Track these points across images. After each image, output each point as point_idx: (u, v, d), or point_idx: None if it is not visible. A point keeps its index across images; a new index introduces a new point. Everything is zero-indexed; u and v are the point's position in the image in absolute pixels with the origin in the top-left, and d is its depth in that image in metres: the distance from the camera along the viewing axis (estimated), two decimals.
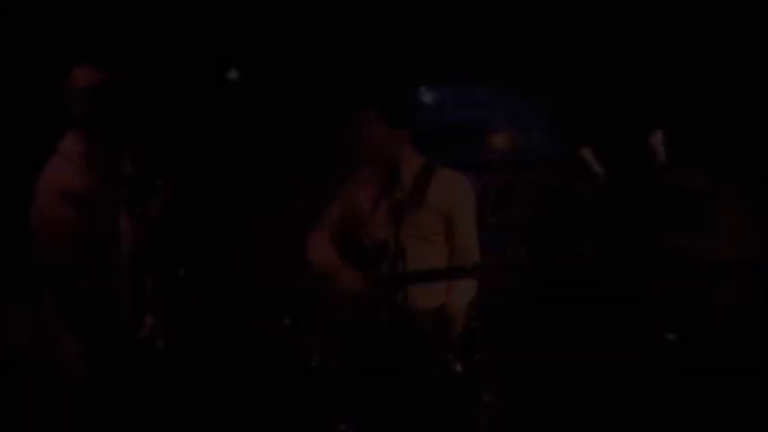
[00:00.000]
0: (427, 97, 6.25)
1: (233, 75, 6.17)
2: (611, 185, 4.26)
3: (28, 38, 5.05)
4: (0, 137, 5.08)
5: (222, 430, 5.22)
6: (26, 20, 5.01)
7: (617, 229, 3.63)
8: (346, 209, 3.91)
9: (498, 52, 6.05)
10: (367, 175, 3.88)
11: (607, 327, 4.48)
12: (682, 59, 5.61)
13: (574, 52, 5.81)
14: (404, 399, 3.54)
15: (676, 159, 4.36)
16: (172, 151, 3.71)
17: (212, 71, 6.11)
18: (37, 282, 3.32)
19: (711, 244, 4.18)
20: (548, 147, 6.18)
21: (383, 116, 3.68)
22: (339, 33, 5.75)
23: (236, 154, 6.13)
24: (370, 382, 3.71)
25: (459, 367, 4.44)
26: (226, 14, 5.53)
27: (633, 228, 4.31)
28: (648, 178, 4.42)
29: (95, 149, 3.31)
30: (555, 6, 5.44)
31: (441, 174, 3.77)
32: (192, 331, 4.59)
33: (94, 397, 3.29)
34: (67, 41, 5.20)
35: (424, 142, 3.98)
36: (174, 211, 3.63)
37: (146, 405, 3.50)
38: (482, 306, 4.76)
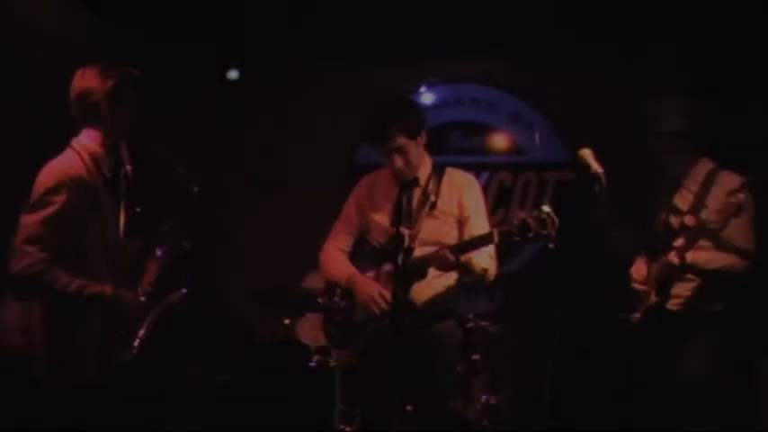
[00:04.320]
0: (427, 97, 6.25)
1: (233, 75, 6.18)
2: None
3: (31, 36, 5.06)
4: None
5: (223, 428, 5.22)
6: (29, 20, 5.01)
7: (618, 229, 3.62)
8: (359, 218, 3.89)
9: (499, 52, 6.06)
10: (378, 182, 3.86)
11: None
12: (681, 59, 5.62)
13: (575, 52, 5.81)
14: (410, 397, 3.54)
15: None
16: (170, 151, 3.70)
17: (212, 71, 6.12)
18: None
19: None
20: (548, 147, 6.18)
21: (409, 136, 3.67)
22: (339, 33, 5.75)
23: (235, 154, 6.13)
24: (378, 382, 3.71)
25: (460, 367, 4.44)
26: (226, 14, 5.53)
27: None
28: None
29: (103, 149, 3.33)
30: (555, 7, 5.43)
31: (450, 176, 3.79)
32: (192, 331, 4.59)
33: (93, 398, 3.29)
34: (70, 41, 5.20)
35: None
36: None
37: (146, 405, 3.51)
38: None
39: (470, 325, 4.81)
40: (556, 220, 3.32)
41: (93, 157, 3.31)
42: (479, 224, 3.72)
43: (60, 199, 3.18)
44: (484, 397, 4.99)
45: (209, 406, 5.22)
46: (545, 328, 5.22)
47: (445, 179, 3.76)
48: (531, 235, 3.34)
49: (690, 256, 3.95)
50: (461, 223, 3.74)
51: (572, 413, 4.86)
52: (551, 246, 3.38)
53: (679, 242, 3.96)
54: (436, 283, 3.70)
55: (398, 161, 3.66)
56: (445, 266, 3.57)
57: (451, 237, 3.70)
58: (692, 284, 4.08)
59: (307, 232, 4.07)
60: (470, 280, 3.76)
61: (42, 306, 3.29)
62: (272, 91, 6.18)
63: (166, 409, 3.67)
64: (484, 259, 3.68)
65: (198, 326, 5.08)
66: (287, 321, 5.14)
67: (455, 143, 6.18)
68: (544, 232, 3.32)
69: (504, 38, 5.74)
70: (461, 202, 3.73)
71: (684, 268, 3.97)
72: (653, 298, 4.10)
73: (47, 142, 4.62)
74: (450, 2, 5.51)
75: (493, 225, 3.78)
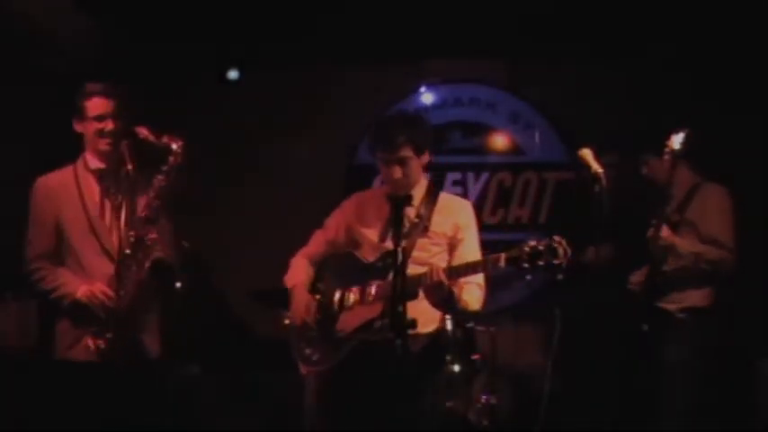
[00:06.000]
0: (427, 97, 6.26)
1: (233, 75, 6.18)
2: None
3: (31, 36, 5.06)
4: None
5: (224, 428, 5.23)
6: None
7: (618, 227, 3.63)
8: (337, 234, 3.84)
9: (499, 52, 6.06)
10: (369, 200, 3.81)
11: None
12: (681, 59, 5.63)
13: (575, 52, 5.81)
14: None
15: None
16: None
17: (212, 71, 6.12)
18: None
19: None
20: (548, 147, 6.18)
21: (415, 150, 3.60)
22: (339, 33, 5.75)
23: (235, 154, 6.13)
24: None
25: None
26: (225, 14, 5.53)
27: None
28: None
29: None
30: (555, 7, 5.43)
31: (444, 200, 3.73)
32: (191, 332, 4.59)
33: (101, 393, 3.41)
34: (70, 41, 5.20)
35: None
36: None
37: (146, 406, 3.52)
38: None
39: (470, 325, 4.81)
40: (569, 250, 3.19)
41: (84, 162, 3.64)
42: (472, 249, 3.63)
43: (36, 203, 3.61)
44: (484, 397, 4.99)
45: (210, 406, 5.23)
46: (546, 327, 5.26)
47: (439, 203, 3.69)
48: (541, 263, 3.20)
49: (665, 232, 4.14)
50: (453, 245, 3.64)
51: (572, 413, 4.87)
52: (560, 277, 3.25)
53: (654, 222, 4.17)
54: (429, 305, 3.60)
55: (398, 172, 3.58)
56: (434, 293, 3.42)
57: (442, 258, 3.62)
58: (680, 281, 4.22)
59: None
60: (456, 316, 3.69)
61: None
62: (273, 91, 6.18)
63: (166, 409, 3.66)
64: (476, 299, 3.59)
65: (198, 326, 5.09)
66: (287, 321, 5.13)
67: (455, 143, 6.18)
68: (555, 262, 3.18)
69: (504, 38, 5.74)
70: (457, 224, 3.64)
71: (658, 241, 4.14)
72: (638, 288, 4.25)
73: (47, 141, 4.63)
74: (450, 2, 5.51)
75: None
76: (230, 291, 5.88)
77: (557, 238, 3.21)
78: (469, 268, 3.44)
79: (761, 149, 5.44)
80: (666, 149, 4.12)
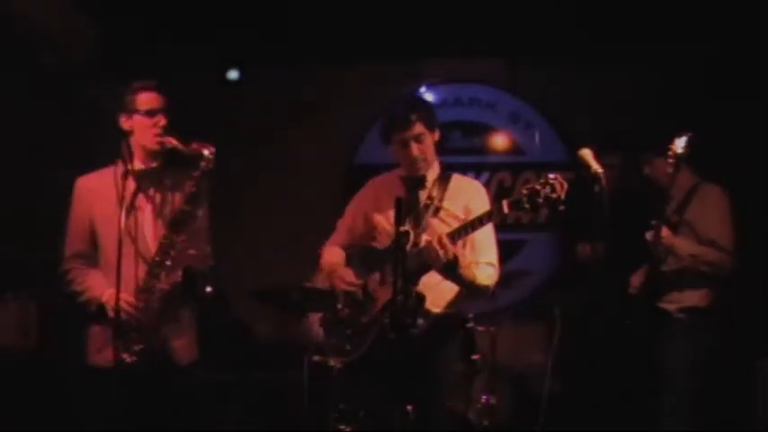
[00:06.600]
0: (427, 97, 6.26)
1: (233, 75, 6.18)
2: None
3: (31, 37, 5.06)
4: None
5: (224, 428, 5.22)
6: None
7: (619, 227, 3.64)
8: (356, 222, 3.90)
9: (499, 52, 6.06)
10: (384, 186, 3.85)
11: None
12: (681, 60, 5.63)
13: (575, 52, 5.81)
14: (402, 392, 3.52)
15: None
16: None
17: (212, 71, 6.12)
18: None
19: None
20: (548, 147, 6.17)
21: (427, 126, 3.72)
22: (339, 32, 5.75)
23: (235, 154, 6.12)
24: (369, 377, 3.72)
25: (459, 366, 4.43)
26: (225, 15, 5.53)
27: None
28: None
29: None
30: (555, 7, 5.44)
31: (457, 181, 3.79)
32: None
33: (100, 394, 3.40)
34: (70, 42, 5.21)
35: None
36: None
37: (147, 406, 3.52)
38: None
39: (470, 325, 4.80)
40: (564, 183, 3.30)
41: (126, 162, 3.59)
42: (486, 231, 3.68)
43: (73, 203, 3.56)
44: (484, 397, 4.99)
45: (209, 406, 5.23)
46: (546, 327, 5.26)
47: (451, 184, 3.75)
48: (540, 200, 3.30)
49: (664, 232, 4.19)
50: None
51: (572, 413, 4.87)
52: (562, 208, 3.31)
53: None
54: (443, 285, 3.67)
55: (415, 149, 3.68)
56: (437, 258, 3.44)
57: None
58: (679, 281, 4.26)
59: (307, 232, 4.07)
60: (468, 293, 3.71)
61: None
62: (272, 91, 6.18)
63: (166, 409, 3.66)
64: (487, 276, 3.65)
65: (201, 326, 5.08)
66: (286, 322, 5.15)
67: (455, 143, 6.17)
68: (554, 195, 3.29)
69: (504, 38, 5.74)
70: (468, 207, 3.69)
71: (658, 241, 4.19)
72: (638, 291, 4.29)
73: (47, 141, 4.64)
74: (450, 2, 5.51)
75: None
76: (230, 291, 5.88)
77: (551, 174, 3.33)
78: (476, 222, 3.51)
79: (761, 150, 5.44)
80: (670, 153, 4.13)
